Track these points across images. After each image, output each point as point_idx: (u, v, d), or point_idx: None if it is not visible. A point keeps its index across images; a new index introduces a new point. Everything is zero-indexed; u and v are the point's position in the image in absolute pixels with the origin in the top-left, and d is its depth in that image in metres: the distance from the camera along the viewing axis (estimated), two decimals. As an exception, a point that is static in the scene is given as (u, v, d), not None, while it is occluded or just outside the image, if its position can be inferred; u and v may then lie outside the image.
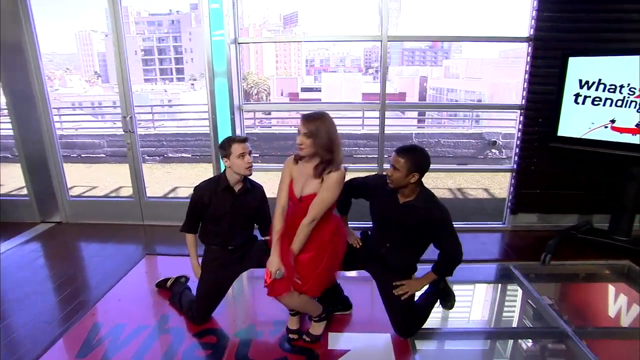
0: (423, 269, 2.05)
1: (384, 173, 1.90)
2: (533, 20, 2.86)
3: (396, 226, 1.92)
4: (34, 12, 3.15)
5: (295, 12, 74.82)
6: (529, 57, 2.94)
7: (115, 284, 2.53)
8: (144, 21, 51.15)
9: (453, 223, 1.88)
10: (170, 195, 5.13)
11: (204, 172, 6.11)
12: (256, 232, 2.24)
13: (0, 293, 2.44)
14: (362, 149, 6.16)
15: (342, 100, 34.19)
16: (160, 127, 7.82)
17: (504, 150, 6.06)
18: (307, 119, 1.69)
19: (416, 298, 2.03)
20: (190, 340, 2.01)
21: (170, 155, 6.58)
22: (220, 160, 2.12)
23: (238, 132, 3.14)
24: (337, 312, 2.17)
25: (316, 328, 1.99)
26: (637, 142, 2.58)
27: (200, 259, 2.17)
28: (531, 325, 2.27)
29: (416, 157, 1.78)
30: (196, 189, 2.05)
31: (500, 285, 2.74)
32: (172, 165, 6.42)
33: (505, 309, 2.47)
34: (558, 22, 2.81)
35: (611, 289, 2.63)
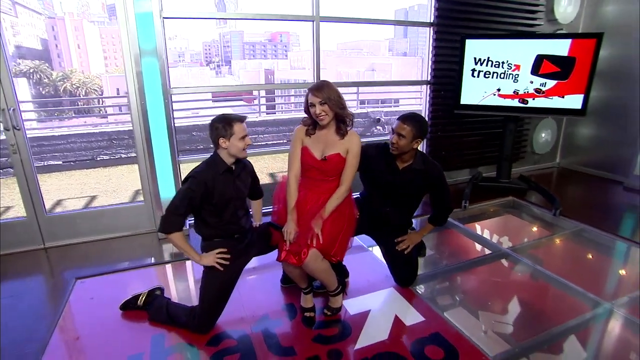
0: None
1: (389, 140, 2.02)
2: (434, 9, 3.39)
3: (398, 190, 2.08)
4: None
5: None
6: (432, 39, 3.48)
7: (57, 321, 1.97)
8: None
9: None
10: (57, 210, 4.08)
11: (87, 178, 5.04)
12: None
13: None
14: (262, 136, 6.09)
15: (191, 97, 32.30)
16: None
17: (386, 126, 6.92)
18: (317, 89, 1.77)
19: None
20: (207, 352, 1.77)
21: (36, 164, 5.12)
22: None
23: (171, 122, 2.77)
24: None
25: (336, 301, 2.02)
26: (514, 105, 3.38)
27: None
28: (482, 253, 2.76)
29: (420, 124, 1.96)
30: (195, 176, 1.75)
31: (442, 232, 3.19)
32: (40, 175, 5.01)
33: (456, 248, 2.92)
34: (454, 9, 3.44)
35: (508, 217, 3.41)
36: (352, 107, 7.30)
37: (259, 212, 2.18)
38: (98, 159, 5.30)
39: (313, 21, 3.03)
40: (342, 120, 1.83)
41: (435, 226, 2.26)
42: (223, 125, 1.74)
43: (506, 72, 3.30)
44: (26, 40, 43.71)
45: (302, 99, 3.10)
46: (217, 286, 1.84)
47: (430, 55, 3.52)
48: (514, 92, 3.35)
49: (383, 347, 1.78)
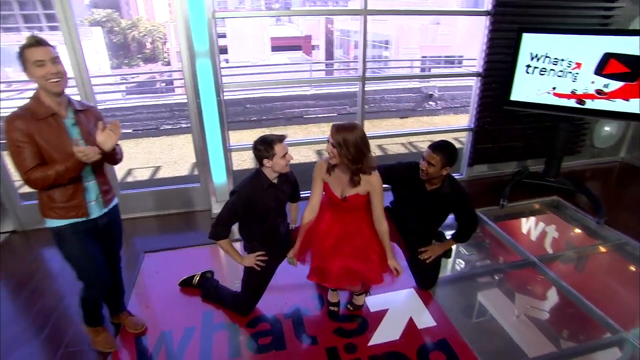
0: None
1: (420, 165, 2.11)
2: (493, -4, 3.18)
3: (424, 210, 2.22)
4: None
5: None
6: (486, 30, 3.30)
7: (132, 290, 2.45)
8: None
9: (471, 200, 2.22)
10: (128, 180, 4.72)
11: (153, 146, 5.66)
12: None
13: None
14: (312, 109, 6.24)
15: (250, 46, 32.39)
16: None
17: (439, 102, 6.71)
18: (337, 129, 1.78)
19: None
20: (246, 331, 2.13)
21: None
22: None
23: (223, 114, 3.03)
24: None
25: (359, 299, 2.27)
26: (569, 105, 3.18)
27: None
28: (510, 259, 2.83)
29: (450, 153, 2.04)
30: (241, 193, 1.95)
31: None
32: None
33: (484, 250, 3.00)
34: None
35: (548, 219, 3.35)
36: (405, 81, 7.06)
37: (296, 214, 2.38)
38: (161, 128, 5.88)
39: (361, 15, 3.02)
40: (357, 170, 1.82)
41: (457, 243, 2.38)
42: (265, 147, 1.90)
43: (565, 70, 3.09)
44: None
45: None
46: (255, 282, 2.17)
47: (484, 46, 3.36)
48: (572, 91, 3.14)
49: (393, 346, 2.03)
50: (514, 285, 2.57)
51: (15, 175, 3.03)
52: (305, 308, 2.30)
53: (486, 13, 3.25)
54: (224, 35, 35.96)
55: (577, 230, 3.17)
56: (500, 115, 3.59)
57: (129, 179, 4.72)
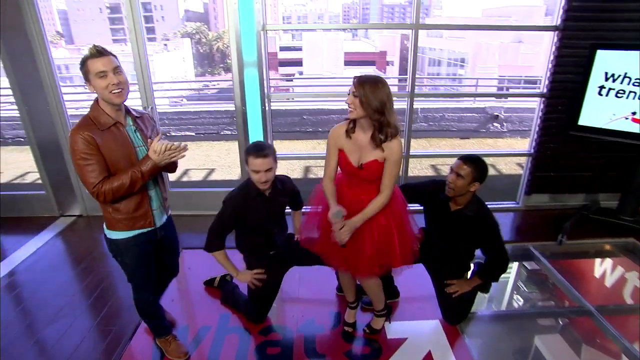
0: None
1: (447, 179, 1.95)
2: (562, 10, 2.89)
3: (447, 233, 2.05)
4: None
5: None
6: (554, 46, 3.00)
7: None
8: (106, -26, 47.02)
9: (500, 232, 1.97)
10: (184, 180, 5.07)
11: (211, 150, 6.05)
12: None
13: None
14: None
15: (324, 59, 33.29)
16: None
17: (505, 124, 6.25)
18: (360, 80, 1.60)
19: None
20: (257, 339, 2.13)
21: (174, 133, 6.39)
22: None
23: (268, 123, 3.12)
24: (386, 300, 2.33)
25: (377, 322, 2.15)
26: (654, 132, 2.75)
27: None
28: (557, 305, 2.50)
29: (481, 166, 1.87)
30: (227, 202, 1.94)
31: (522, 265, 2.96)
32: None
33: (531, 289, 2.69)
34: (587, 12, 2.86)
35: (619, 265, 2.90)
36: (469, 100, 6.70)
37: (299, 222, 2.30)
38: (221, 133, 6.26)
39: (412, 30, 2.94)
40: (379, 128, 1.64)
41: (484, 281, 2.14)
42: (245, 155, 1.87)
43: (648, 92, 2.68)
44: (192, 4, 50.62)
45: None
46: (258, 294, 2.15)
47: (550, 64, 3.05)
48: (656, 117, 2.71)
49: (403, 381, 1.88)
50: (565, 336, 2.25)
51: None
52: (320, 324, 2.23)
53: (554, 28, 2.95)
54: (299, 49, 37.64)
55: (654, 281, 2.71)
56: (566, 141, 3.21)
57: (184, 179, 5.06)
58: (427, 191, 2.10)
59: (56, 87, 3.14)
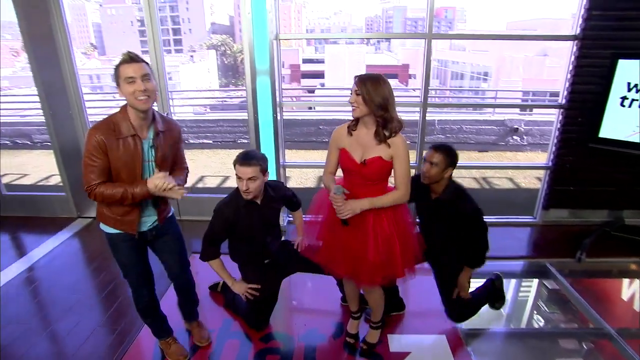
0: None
1: (422, 170, 1.97)
2: (581, 19, 2.81)
3: (433, 221, 2.05)
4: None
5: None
6: (573, 56, 2.92)
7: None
8: (139, -10, 49.23)
9: (483, 215, 1.96)
10: (199, 186, 5.17)
11: (227, 158, 6.14)
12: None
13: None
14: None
15: (346, 72, 33.53)
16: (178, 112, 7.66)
17: (525, 137, 6.09)
18: (362, 79, 1.61)
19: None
20: (258, 345, 2.11)
21: (192, 141, 6.55)
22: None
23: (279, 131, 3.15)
24: (392, 312, 2.29)
25: (372, 335, 2.10)
26: (681, 146, 2.61)
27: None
28: (574, 325, 2.38)
29: (451, 153, 1.92)
30: (218, 210, 1.92)
31: (538, 282, 2.83)
32: (193, 152, 6.39)
33: (546, 307, 2.57)
34: (608, 21, 2.77)
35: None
36: (488, 112, 6.56)
37: (301, 224, 2.27)
38: (238, 141, 6.37)
39: (425, 39, 2.92)
40: (383, 124, 1.63)
41: (472, 268, 2.08)
42: (233, 162, 1.85)
43: (674, 104, 2.56)
44: (218, 17, 52.30)
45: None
46: (254, 304, 2.13)
47: (568, 74, 2.97)
48: (684, 130, 2.58)
49: (403, 396, 1.82)
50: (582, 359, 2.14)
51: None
52: (322, 334, 2.19)
53: (573, 38, 2.87)
54: (322, 61, 38.10)
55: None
56: (586, 154, 3.08)
57: (199, 185, 5.15)
58: (414, 187, 2.00)
59: (79, 94, 3.28)
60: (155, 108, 3.04)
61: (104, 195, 1.54)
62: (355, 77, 1.63)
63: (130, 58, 1.50)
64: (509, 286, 2.71)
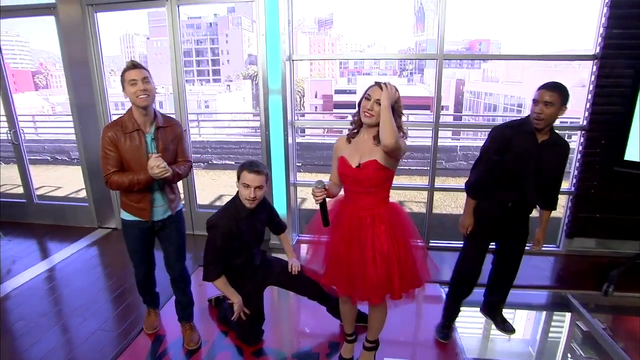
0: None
1: (533, 114, 1.85)
2: (600, 38, 2.73)
3: (537, 168, 1.91)
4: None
5: (331, 15, 74.44)
6: (593, 76, 2.81)
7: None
8: (184, 24, 53.22)
9: None
10: (217, 204, 5.28)
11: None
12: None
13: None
14: (405, 160, 6.11)
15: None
16: (204, 134, 8.01)
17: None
18: (380, 86, 1.60)
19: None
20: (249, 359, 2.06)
21: (215, 162, 6.78)
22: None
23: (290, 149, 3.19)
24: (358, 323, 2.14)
25: (366, 358, 1.99)
26: None
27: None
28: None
29: (564, 88, 1.82)
30: (216, 226, 1.92)
31: (556, 315, 2.62)
32: (215, 172, 6.60)
33: (565, 341, 2.36)
34: (629, 39, 2.67)
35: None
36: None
37: (289, 247, 2.27)
38: (258, 162, 6.51)
39: (436, 60, 2.92)
40: None
41: (552, 210, 2.09)
42: (238, 170, 1.90)
43: None
44: (255, 49, 54.95)
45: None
46: (241, 322, 2.09)
47: (589, 95, 2.85)
48: None
49: None
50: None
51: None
52: (316, 354, 2.11)
53: (593, 57, 2.78)
54: (354, 92, 38.81)
55: None
56: (611, 178, 2.89)
57: (217, 202, 5.26)
58: (508, 137, 1.93)
59: (107, 114, 3.51)
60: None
61: (117, 182, 1.82)
62: (375, 83, 1.64)
63: (133, 65, 1.82)
64: (530, 319, 2.57)
